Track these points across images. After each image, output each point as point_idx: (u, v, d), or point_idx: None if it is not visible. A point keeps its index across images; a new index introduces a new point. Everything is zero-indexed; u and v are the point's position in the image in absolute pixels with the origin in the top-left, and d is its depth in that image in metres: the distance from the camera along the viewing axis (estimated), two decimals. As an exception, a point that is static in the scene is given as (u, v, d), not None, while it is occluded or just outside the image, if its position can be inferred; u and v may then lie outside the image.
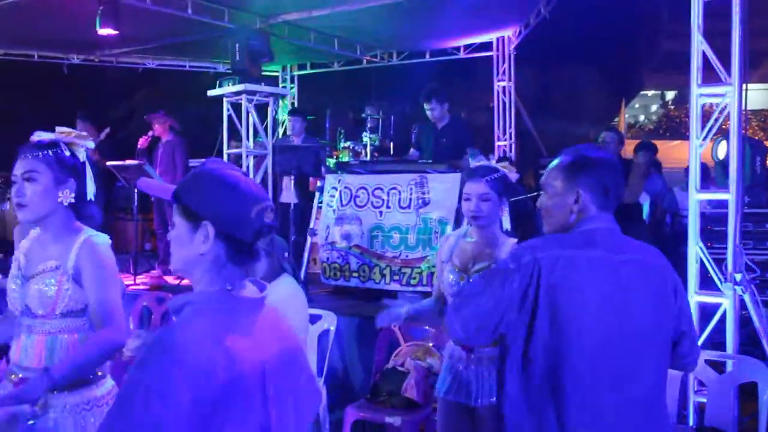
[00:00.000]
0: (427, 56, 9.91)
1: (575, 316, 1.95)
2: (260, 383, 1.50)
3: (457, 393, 2.90)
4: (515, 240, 2.89)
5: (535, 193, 6.44)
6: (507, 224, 2.94)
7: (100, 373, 2.32)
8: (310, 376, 1.72)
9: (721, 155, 5.03)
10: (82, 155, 2.36)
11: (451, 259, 3.00)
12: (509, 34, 9.15)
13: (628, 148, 7.57)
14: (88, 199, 2.36)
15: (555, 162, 2.18)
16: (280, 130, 9.80)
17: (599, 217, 2.07)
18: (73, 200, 2.31)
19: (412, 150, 6.77)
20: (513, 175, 3.00)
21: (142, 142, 7.37)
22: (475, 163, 3.03)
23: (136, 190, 6.57)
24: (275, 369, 1.54)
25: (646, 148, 6.92)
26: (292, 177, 6.27)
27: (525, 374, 2.00)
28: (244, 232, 1.55)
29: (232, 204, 1.54)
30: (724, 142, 4.98)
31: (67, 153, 2.32)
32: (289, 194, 6.64)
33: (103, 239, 2.35)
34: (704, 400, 3.63)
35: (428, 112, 6.25)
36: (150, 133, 7.45)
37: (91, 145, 2.43)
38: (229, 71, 7.01)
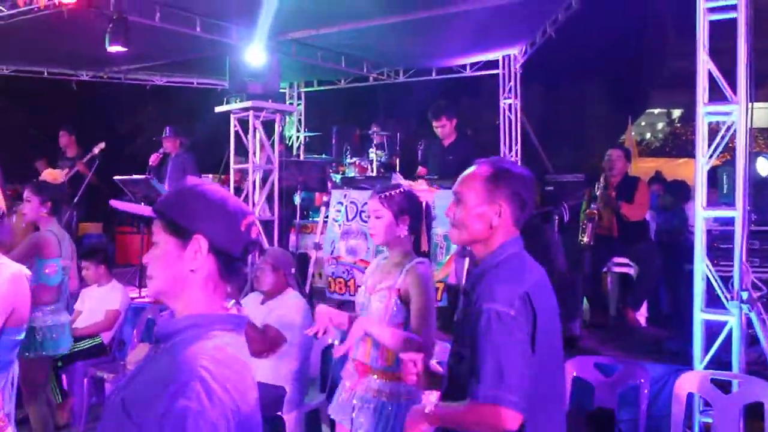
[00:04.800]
0: (434, 74, 9.95)
1: (550, 338, 1.95)
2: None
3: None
4: (417, 259, 2.78)
5: (543, 210, 6.34)
6: (424, 245, 2.85)
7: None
8: None
9: (763, 172, 4.80)
10: None
11: (368, 278, 2.95)
12: (515, 52, 9.18)
13: (638, 165, 7.64)
14: None
15: (471, 171, 2.08)
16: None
17: (516, 238, 2.04)
18: None
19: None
20: (426, 195, 2.90)
21: (153, 159, 7.54)
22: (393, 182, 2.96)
23: (142, 204, 6.62)
24: None
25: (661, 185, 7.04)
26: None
27: None
28: (234, 246, 1.51)
29: (222, 217, 1.50)
30: (762, 159, 4.80)
31: None
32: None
33: None
34: (710, 420, 3.60)
35: (437, 130, 6.27)
36: (161, 151, 7.59)
37: None
38: (237, 88, 7.04)
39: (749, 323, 3.72)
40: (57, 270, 4.23)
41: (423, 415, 1.98)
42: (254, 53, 6.28)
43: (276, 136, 6.64)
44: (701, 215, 3.90)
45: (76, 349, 4.88)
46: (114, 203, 1.66)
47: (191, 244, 1.48)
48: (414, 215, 2.85)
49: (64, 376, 5.10)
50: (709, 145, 3.86)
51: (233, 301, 1.58)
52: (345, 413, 2.82)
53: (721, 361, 3.75)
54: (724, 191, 4.44)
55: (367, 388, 2.77)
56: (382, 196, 2.83)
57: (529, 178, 2.06)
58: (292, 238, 6.86)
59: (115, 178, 6.81)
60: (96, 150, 7.56)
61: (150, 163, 7.62)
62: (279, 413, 3.90)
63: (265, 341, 3.86)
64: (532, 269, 2.02)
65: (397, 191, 2.85)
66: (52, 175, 5.90)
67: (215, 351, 1.41)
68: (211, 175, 7.62)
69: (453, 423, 1.94)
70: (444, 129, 6.23)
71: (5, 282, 2.17)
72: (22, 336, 2.25)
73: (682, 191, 7.51)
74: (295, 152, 10.43)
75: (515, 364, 1.82)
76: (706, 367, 3.73)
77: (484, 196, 2.02)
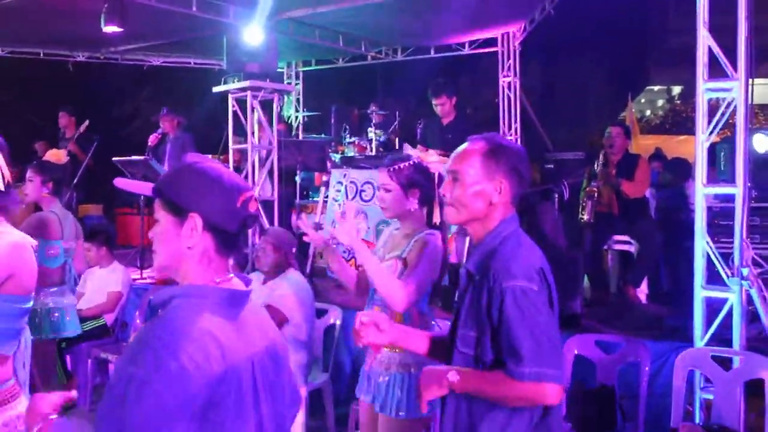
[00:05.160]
0: (432, 52, 9.88)
1: (556, 313, 1.95)
2: (251, 378, 1.50)
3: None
4: (427, 231, 2.75)
5: (543, 187, 6.34)
6: (437, 217, 2.79)
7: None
8: (291, 374, 1.72)
9: (761, 149, 4.71)
10: None
11: (379, 249, 2.95)
12: (514, 29, 9.12)
13: (638, 142, 7.63)
14: None
15: (467, 148, 2.03)
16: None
17: (514, 215, 2.01)
18: None
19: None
20: (437, 167, 2.81)
21: (152, 139, 7.56)
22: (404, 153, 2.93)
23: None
24: (263, 364, 1.54)
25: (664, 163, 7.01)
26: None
27: None
28: (230, 222, 1.55)
29: (218, 194, 1.53)
30: (759, 135, 4.72)
31: None
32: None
33: None
34: (711, 396, 3.62)
35: (437, 108, 6.22)
36: (159, 131, 7.60)
37: None
38: (235, 67, 7.01)
39: (749, 300, 3.73)
40: (59, 252, 4.22)
41: (443, 380, 1.92)
42: (251, 32, 6.24)
43: (274, 116, 6.62)
44: (701, 192, 3.89)
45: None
46: (117, 182, 1.67)
47: (187, 223, 1.52)
48: (424, 187, 2.79)
49: (68, 358, 5.13)
50: (709, 122, 3.85)
51: (232, 274, 1.59)
52: (366, 392, 2.82)
53: (721, 338, 3.76)
54: (722, 168, 4.44)
55: (380, 362, 2.75)
56: (391, 169, 2.77)
57: (524, 153, 2.03)
58: (293, 218, 6.87)
59: (114, 159, 6.80)
60: (82, 128, 7.55)
61: (149, 144, 7.62)
62: (282, 392, 3.93)
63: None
64: (536, 245, 2.02)
65: (406, 164, 2.78)
66: (56, 155, 5.87)
67: (182, 322, 1.43)
68: (210, 156, 7.60)
69: (484, 394, 1.91)
70: (444, 107, 6.18)
71: (4, 246, 2.16)
72: (30, 305, 2.25)
73: (682, 168, 7.50)
74: (293, 132, 10.40)
75: (550, 338, 1.85)
76: (707, 344, 3.75)
77: (484, 173, 1.98)
